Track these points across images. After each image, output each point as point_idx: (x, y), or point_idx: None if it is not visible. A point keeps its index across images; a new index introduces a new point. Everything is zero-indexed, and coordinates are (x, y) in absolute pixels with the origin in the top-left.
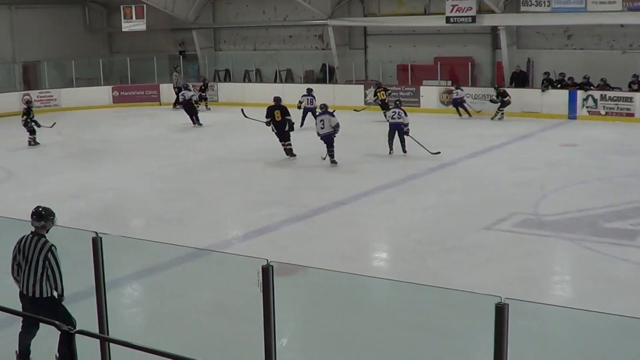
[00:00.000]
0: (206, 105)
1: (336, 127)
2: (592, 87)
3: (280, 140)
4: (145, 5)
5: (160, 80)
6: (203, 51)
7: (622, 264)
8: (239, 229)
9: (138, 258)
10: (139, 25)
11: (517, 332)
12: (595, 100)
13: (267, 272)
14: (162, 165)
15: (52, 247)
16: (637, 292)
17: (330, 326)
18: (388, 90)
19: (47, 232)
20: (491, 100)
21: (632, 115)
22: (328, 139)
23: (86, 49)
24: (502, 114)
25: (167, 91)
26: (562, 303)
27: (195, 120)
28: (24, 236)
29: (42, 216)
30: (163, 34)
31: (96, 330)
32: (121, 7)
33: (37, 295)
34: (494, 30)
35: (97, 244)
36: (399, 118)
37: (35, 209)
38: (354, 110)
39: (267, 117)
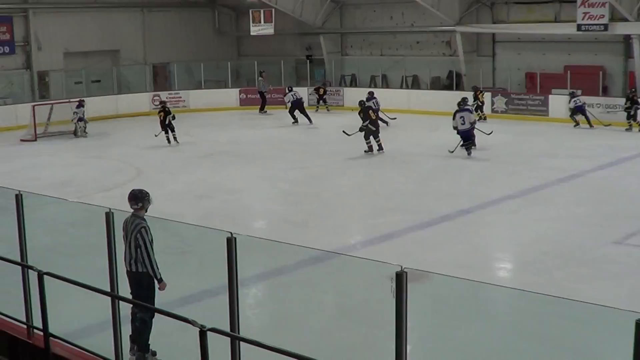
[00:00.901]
0: (327, 108)
1: (473, 123)
2: None
3: (375, 137)
4: (273, 10)
5: (286, 84)
6: (330, 56)
7: None
8: (363, 234)
9: (264, 259)
10: (267, 29)
11: None
12: None
13: (400, 279)
14: (288, 168)
15: (143, 228)
16: None
17: (455, 334)
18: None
19: (145, 211)
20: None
21: None
22: (466, 134)
23: (215, 51)
24: (630, 125)
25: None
26: None
27: (308, 118)
28: (126, 218)
29: (139, 197)
30: (290, 38)
31: (223, 329)
32: (250, 11)
33: (133, 270)
34: (627, 38)
35: (231, 243)
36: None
37: (131, 191)
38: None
39: (364, 120)
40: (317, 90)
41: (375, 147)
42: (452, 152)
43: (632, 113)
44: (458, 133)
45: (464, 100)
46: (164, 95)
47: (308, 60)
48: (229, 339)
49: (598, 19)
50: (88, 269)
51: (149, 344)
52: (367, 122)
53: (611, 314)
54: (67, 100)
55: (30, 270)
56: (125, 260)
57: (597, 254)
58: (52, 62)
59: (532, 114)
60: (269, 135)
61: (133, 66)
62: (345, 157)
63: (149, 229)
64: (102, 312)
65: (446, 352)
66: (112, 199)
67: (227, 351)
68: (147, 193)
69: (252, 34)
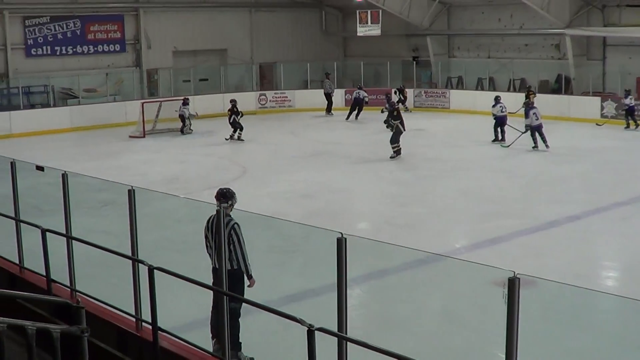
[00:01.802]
0: (406, 109)
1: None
2: None
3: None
4: (380, 11)
5: (392, 85)
6: (436, 57)
7: None
8: (468, 238)
9: (369, 260)
10: (374, 30)
11: None
12: None
13: (513, 284)
14: (393, 170)
15: (235, 225)
16: None
17: (562, 342)
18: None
19: (231, 210)
20: None
21: None
22: (539, 129)
23: (321, 52)
24: None
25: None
26: None
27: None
28: (211, 216)
29: (227, 196)
30: (397, 39)
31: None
32: (357, 11)
33: (228, 267)
34: None
35: (341, 244)
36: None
37: (219, 190)
38: (596, 124)
39: (396, 120)
40: (400, 91)
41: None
42: (503, 146)
43: None
44: (533, 128)
45: (498, 98)
46: (270, 94)
47: (414, 62)
48: (330, 339)
49: None
50: (193, 265)
51: (240, 342)
52: (398, 121)
53: None
54: (175, 98)
55: (140, 265)
56: (212, 258)
57: None
58: (161, 60)
59: None
60: (375, 137)
61: (240, 65)
62: (451, 160)
63: (239, 226)
64: (208, 307)
65: (552, 358)
66: None
67: (326, 351)
68: (234, 192)
69: (358, 34)
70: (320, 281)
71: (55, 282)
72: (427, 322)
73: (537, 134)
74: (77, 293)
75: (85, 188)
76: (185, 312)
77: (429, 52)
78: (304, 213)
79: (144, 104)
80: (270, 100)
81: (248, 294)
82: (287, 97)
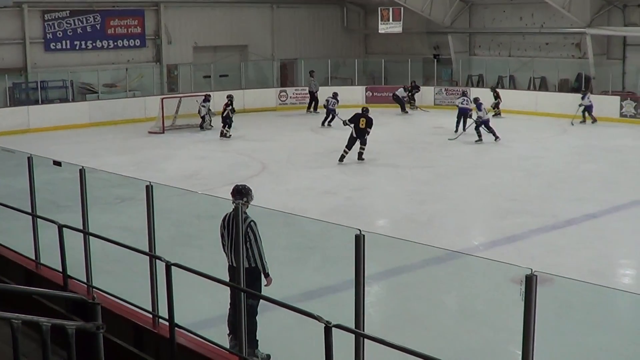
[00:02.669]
0: (412, 106)
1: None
2: None
3: (361, 144)
4: (402, 8)
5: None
6: (457, 55)
7: None
8: (486, 235)
9: (387, 256)
10: (395, 28)
11: None
12: None
13: (530, 282)
14: (413, 167)
15: (252, 222)
16: None
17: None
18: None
19: (247, 207)
20: None
21: None
22: (487, 123)
23: (342, 48)
24: None
25: (420, 93)
26: None
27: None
28: (227, 213)
29: (244, 193)
30: (418, 36)
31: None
32: (379, 9)
33: (246, 266)
34: None
35: (359, 241)
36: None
37: (235, 186)
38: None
39: (350, 121)
40: (413, 87)
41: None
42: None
43: None
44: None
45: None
46: (290, 91)
47: (435, 60)
48: (347, 335)
49: None
50: (211, 261)
51: (257, 339)
52: (351, 124)
53: None
54: (195, 94)
55: (157, 261)
56: (228, 256)
57: None
58: (181, 55)
59: None
60: (395, 134)
61: (261, 62)
62: (470, 158)
63: (256, 223)
64: (225, 304)
65: (568, 356)
66: None
67: (344, 348)
68: (250, 188)
69: (380, 31)
70: (338, 278)
71: (71, 278)
72: (444, 319)
73: (483, 128)
74: (94, 289)
75: (103, 184)
76: (202, 309)
77: (450, 50)
78: (322, 210)
79: (164, 100)
80: (290, 97)
81: (265, 290)
82: (307, 94)
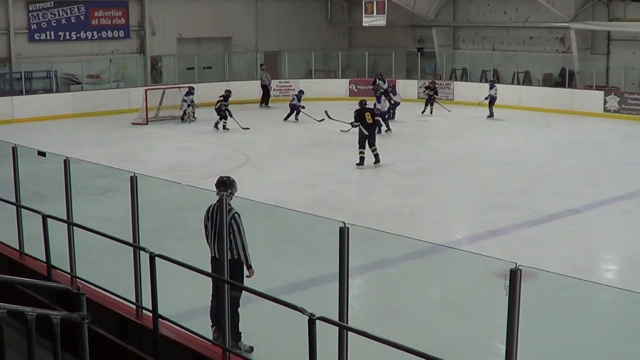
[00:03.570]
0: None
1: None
2: None
3: (370, 146)
4: (386, 1)
5: (397, 75)
6: (441, 49)
7: None
8: (469, 229)
9: (370, 250)
10: (380, 21)
11: None
12: None
13: (515, 276)
14: (397, 161)
15: (236, 214)
16: None
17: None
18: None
19: (231, 199)
20: None
21: None
22: (384, 115)
23: (326, 41)
24: None
25: (404, 86)
26: None
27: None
28: (211, 205)
29: (228, 184)
30: (402, 30)
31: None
32: (363, 1)
33: (229, 257)
34: None
35: (344, 233)
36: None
37: (220, 178)
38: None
39: (356, 121)
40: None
41: (372, 158)
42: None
43: None
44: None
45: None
46: (274, 83)
47: (419, 53)
48: (331, 328)
49: None
50: (194, 252)
51: (240, 331)
52: (358, 123)
53: None
54: (179, 86)
55: (141, 252)
56: (212, 247)
57: None
58: (165, 47)
59: None
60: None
61: (244, 54)
62: (454, 151)
63: (240, 215)
64: (209, 295)
65: (552, 350)
66: None
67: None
68: (234, 180)
69: (364, 24)
70: (321, 271)
71: (55, 268)
72: (428, 313)
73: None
74: (78, 280)
75: (87, 174)
76: (186, 300)
77: (434, 44)
78: (306, 202)
79: (148, 91)
80: (274, 90)
81: (248, 282)
82: (291, 86)
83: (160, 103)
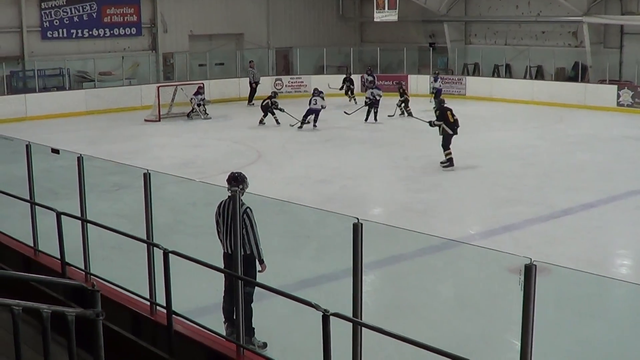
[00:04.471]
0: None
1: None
2: None
3: (447, 148)
4: None
5: (409, 71)
6: (453, 44)
7: None
8: (482, 224)
9: (383, 245)
10: (391, 16)
11: None
12: None
13: (529, 272)
14: (409, 156)
15: (248, 209)
16: None
17: (576, 330)
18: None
19: (243, 194)
20: None
21: None
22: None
23: (337, 37)
24: None
25: (415, 82)
26: None
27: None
28: (222, 201)
29: (239, 180)
30: (413, 25)
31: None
32: None
33: (242, 253)
34: None
35: (357, 229)
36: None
37: (231, 174)
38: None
39: (439, 120)
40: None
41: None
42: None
43: None
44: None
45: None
46: (286, 79)
47: (431, 48)
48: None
49: None
50: (208, 249)
51: (253, 327)
52: (440, 122)
53: None
54: (191, 83)
55: (155, 248)
56: (224, 243)
57: None
58: (177, 44)
59: None
60: (391, 122)
61: (256, 50)
62: (466, 147)
63: (252, 210)
64: (222, 291)
65: (566, 346)
66: None
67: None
68: (245, 176)
69: (375, 20)
70: (335, 266)
71: (70, 265)
72: (441, 309)
73: (372, 110)
74: (92, 276)
75: (100, 171)
76: (199, 296)
77: (446, 39)
78: (318, 198)
79: (160, 88)
80: (286, 85)
81: (261, 278)
82: (303, 82)
83: (173, 100)
